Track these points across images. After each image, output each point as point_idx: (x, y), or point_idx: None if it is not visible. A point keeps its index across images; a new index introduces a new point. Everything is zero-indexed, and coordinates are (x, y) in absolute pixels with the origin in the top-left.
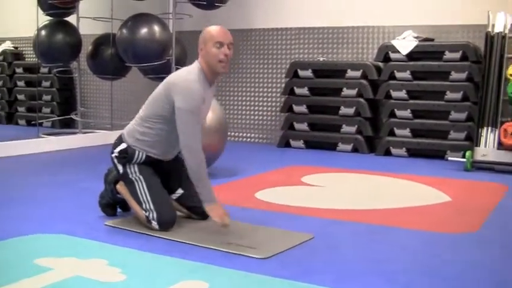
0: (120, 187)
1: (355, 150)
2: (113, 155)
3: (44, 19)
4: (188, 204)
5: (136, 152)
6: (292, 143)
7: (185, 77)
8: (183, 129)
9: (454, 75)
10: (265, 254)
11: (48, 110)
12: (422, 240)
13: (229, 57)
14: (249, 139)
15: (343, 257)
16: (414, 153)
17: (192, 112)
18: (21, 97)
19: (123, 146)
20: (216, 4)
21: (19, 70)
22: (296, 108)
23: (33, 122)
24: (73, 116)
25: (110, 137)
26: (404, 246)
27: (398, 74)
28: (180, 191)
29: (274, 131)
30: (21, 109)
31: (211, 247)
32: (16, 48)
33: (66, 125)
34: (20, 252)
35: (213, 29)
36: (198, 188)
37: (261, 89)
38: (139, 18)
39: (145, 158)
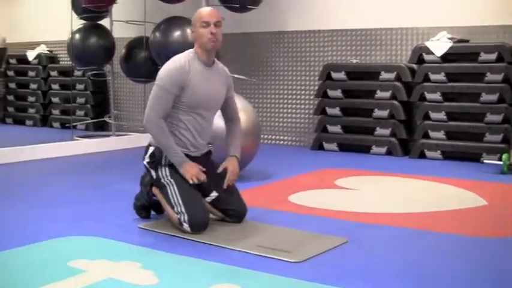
0: (155, 190)
1: (389, 153)
2: (144, 162)
3: (78, 23)
4: (222, 207)
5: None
6: (326, 145)
7: (168, 61)
8: (148, 101)
9: (489, 76)
10: (298, 258)
11: (82, 112)
12: (455, 245)
13: (218, 35)
14: (282, 142)
15: (376, 261)
16: (449, 155)
17: (159, 86)
18: (55, 100)
19: (150, 150)
20: (249, 7)
21: (54, 73)
22: (329, 110)
23: (67, 125)
24: (106, 119)
25: (143, 139)
26: (437, 251)
27: (432, 76)
28: (214, 194)
29: (308, 133)
30: (55, 112)
31: (244, 250)
32: (51, 51)
33: (100, 128)
34: (53, 254)
35: (201, 11)
36: (168, 156)
37: (294, 92)
38: (172, 22)
39: None
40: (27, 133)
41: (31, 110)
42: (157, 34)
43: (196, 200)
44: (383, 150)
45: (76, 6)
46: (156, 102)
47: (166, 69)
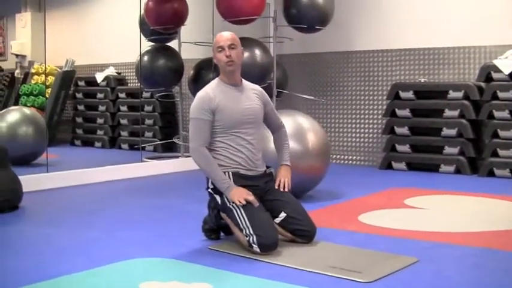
0: (223, 214)
1: (457, 171)
2: (208, 190)
3: (146, 45)
4: (291, 228)
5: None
6: (394, 165)
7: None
8: (189, 136)
9: None
10: (370, 278)
11: (150, 134)
12: None
13: (234, 56)
14: (350, 161)
15: (448, 281)
16: None
17: (192, 118)
18: (124, 121)
19: None
20: (317, 27)
21: (122, 95)
22: (398, 129)
23: (136, 146)
24: (175, 140)
25: None
26: (509, 271)
27: (501, 94)
28: (282, 215)
29: (376, 153)
30: (124, 133)
31: (316, 271)
32: (119, 73)
33: (168, 149)
34: (125, 276)
35: (216, 37)
36: (215, 184)
37: (362, 111)
38: (240, 42)
39: (235, 180)
40: (97, 155)
41: (100, 132)
42: None
43: (264, 220)
44: (451, 168)
45: (144, 29)
46: (195, 132)
47: (194, 103)
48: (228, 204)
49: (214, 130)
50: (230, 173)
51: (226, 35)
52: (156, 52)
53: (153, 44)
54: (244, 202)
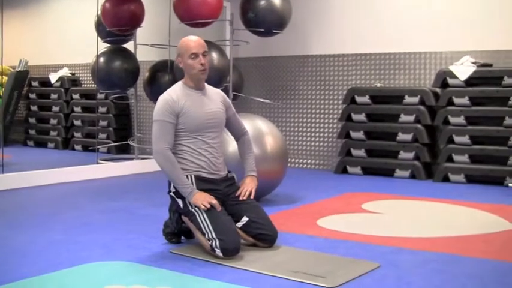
0: (185, 218)
1: (412, 176)
2: (170, 193)
3: (101, 46)
4: (253, 232)
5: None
6: (349, 169)
7: (158, 99)
8: (152, 139)
9: None
10: (333, 283)
11: (104, 135)
12: (489, 270)
13: (207, 64)
14: (305, 165)
15: (411, 286)
16: (472, 179)
17: (155, 121)
18: (77, 123)
19: None
20: (274, 31)
21: (76, 96)
22: (353, 134)
23: (90, 148)
24: (130, 142)
25: None
26: (471, 275)
27: (456, 100)
28: (245, 219)
29: (331, 157)
30: (77, 135)
31: (279, 275)
32: (73, 74)
33: (122, 151)
34: (88, 280)
35: (187, 42)
36: (177, 187)
37: (318, 115)
38: None
39: (197, 183)
40: (50, 156)
41: (53, 133)
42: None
43: (227, 224)
44: (407, 173)
45: (100, 30)
46: (158, 135)
47: (157, 106)
48: (191, 208)
49: (178, 133)
50: (192, 176)
51: (199, 41)
52: (112, 54)
53: (109, 45)
54: (208, 206)
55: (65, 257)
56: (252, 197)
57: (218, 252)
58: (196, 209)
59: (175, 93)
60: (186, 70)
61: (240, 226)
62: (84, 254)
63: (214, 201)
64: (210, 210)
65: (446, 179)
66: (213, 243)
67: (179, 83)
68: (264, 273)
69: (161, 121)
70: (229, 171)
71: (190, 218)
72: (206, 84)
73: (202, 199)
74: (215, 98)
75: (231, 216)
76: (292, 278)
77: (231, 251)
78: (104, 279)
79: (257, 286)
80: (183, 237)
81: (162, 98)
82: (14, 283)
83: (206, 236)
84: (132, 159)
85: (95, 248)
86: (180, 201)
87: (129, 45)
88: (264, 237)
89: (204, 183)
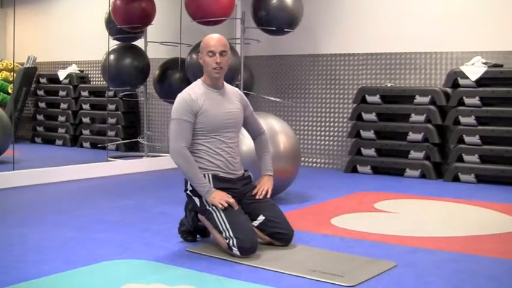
0: (201, 216)
1: (422, 176)
2: (187, 192)
3: (111, 43)
4: (269, 231)
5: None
6: (359, 168)
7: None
8: (169, 137)
9: None
10: (352, 282)
11: (112, 133)
12: (506, 270)
13: (223, 64)
14: (315, 164)
15: (430, 286)
16: (482, 179)
17: (173, 119)
18: (86, 120)
19: None
20: (285, 30)
21: (84, 93)
22: (364, 133)
23: (99, 145)
24: (140, 140)
25: None
26: (489, 276)
27: (467, 100)
28: (261, 218)
29: (341, 156)
30: (85, 132)
31: (297, 274)
32: (82, 71)
33: (131, 148)
34: (107, 278)
35: (208, 39)
36: (194, 186)
37: (328, 114)
38: None
39: (214, 182)
40: (59, 153)
41: (61, 130)
42: (194, 56)
43: (244, 222)
44: (417, 173)
45: (110, 27)
46: (176, 133)
47: (176, 104)
48: (208, 207)
49: (195, 132)
50: (209, 175)
51: (219, 39)
52: (123, 51)
53: (118, 42)
54: (226, 205)
55: (82, 255)
56: (268, 196)
57: (235, 250)
58: (214, 207)
59: (193, 92)
60: (204, 67)
61: (256, 225)
62: (101, 252)
63: (232, 200)
64: (227, 209)
65: (456, 179)
66: (230, 242)
67: (198, 81)
68: (282, 272)
69: (179, 119)
70: (245, 170)
71: (207, 216)
72: (225, 83)
73: (220, 198)
74: (233, 97)
75: (248, 215)
76: (310, 277)
77: (248, 250)
78: (123, 277)
79: (276, 285)
80: (198, 236)
81: (181, 96)
82: (33, 280)
83: (223, 234)
84: (141, 157)
85: (111, 246)
86: (196, 200)
87: (139, 43)
88: (280, 236)
89: (221, 183)
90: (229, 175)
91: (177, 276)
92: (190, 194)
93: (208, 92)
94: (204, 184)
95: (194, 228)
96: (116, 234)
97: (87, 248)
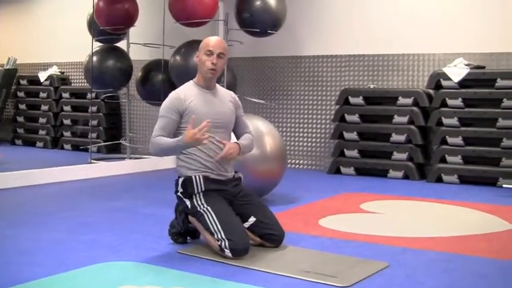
0: (192, 218)
1: (405, 177)
2: (178, 194)
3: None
4: (261, 232)
5: (193, 178)
6: (343, 169)
7: None
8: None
9: (506, 102)
10: (346, 282)
11: (94, 135)
12: (495, 269)
13: (218, 66)
14: (298, 165)
15: (423, 286)
16: (465, 180)
17: (159, 116)
18: (67, 122)
19: (180, 180)
20: (269, 31)
21: (65, 95)
22: (347, 135)
23: (81, 147)
24: (123, 142)
25: (159, 163)
26: (479, 275)
27: (449, 102)
28: (252, 219)
29: (324, 157)
30: (66, 134)
31: (291, 275)
32: (62, 73)
33: (113, 150)
34: (101, 280)
35: (208, 39)
36: (174, 152)
37: (311, 116)
38: (193, 45)
39: (205, 184)
40: (40, 155)
41: (42, 132)
42: (178, 57)
43: (235, 224)
44: (400, 174)
45: (93, 28)
46: (159, 127)
47: (165, 101)
48: (199, 209)
49: (184, 132)
50: (200, 177)
51: (218, 41)
52: (106, 52)
53: (101, 44)
54: (204, 138)
55: (72, 257)
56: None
57: (227, 252)
58: (205, 208)
59: (183, 91)
60: (199, 66)
61: (247, 226)
62: (91, 254)
63: (206, 129)
64: (219, 211)
65: (439, 180)
66: (222, 244)
67: (190, 82)
68: (275, 273)
69: (164, 116)
70: (235, 172)
71: (199, 218)
72: (218, 85)
73: (192, 136)
74: (225, 98)
75: (239, 216)
76: (304, 278)
77: (240, 252)
78: (116, 279)
79: (271, 286)
80: (188, 238)
81: (170, 95)
82: (26, 283)
83: (215, 236)
84: (123, 158)
85: (100, 248)
86: (187, 202)
87: (121, 44)
88: (272, 237)
89: (212, 184)
90: (220, 176)
91: (170, 278)
92: (181, 196)
93: (199, 93)
94: (177, 141)
95: (184, 230)
96: (105, 236)
97: (77, 250)
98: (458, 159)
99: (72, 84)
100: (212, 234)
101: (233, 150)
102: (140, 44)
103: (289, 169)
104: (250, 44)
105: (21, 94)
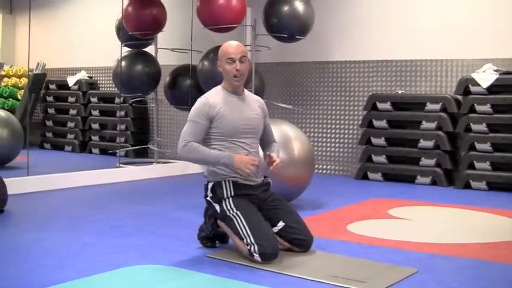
0: (221, 222)
1: (433, 183)
2: (207, 198)
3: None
4: (289, 237)
5: (223, 183)
6: (370, 175)
7: None
8: (181, 135)
9: None
10: None
11: (122, 139)
12: None
13: (243, 71)
14: (326, 171)
15: None
16: (494, 186)
17: (188, 120)
18: (95, 126)
19: (210, 185)
20: (297, 37)
21: (94, 99)
22: (374, 140)
23: (109, 152)
24: (150, 146)
25: (186, 167)
26: (509, 282)
27: (478, 107)
28: (281, 224)
29: (352, 163)
30: (95, 138)
31: (319, 280)
32: (90, 77)
33: (140, 155)
34: (129, 284)
35: (226, 47)
36: (215, 163)
37: (338, 121)
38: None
39: (235, 189)
40: (69, 159)
41: (70, 136)
42: (206, 62)
43: (265, 229)
44: (428, 180)
45: (121, 34)
46: (188, 132)
47: (194, 107)
48: (228, 213)
49: (214, 137)
50: (230, 182)
51: (237, 46)
52: (134, 57)
53: (129, 49)
54: (253, 169)
55: (102, 260)
56: (276, 164)
57: (256, 257)
58: (234, 213)
59: (213, 97)
60: (224, 75)
61: (276, 231)
62: (121, 257)
63: (257, 162)
64: (248, 215)
65: (467, 186)
66: (252, 248)
67: (218, 87)
68: (304, 277)
69: (193, 121)
70: (265, 176)
71: (228, 223)
72: (246, 90)
73: (245, 164)
74: (253, 104)
75: (268, 221)
76: (332, 283)
77: (269, 256)
78: (146, 283)
79: None
80: (217, 242)
81: (200, 101)
82: (56, 285)
83: (244, 240)
84: (151, 163)
85: (129, 251)
86: (217, 206)
87: (149, 49)
88: (300, 242)
89: (241, 189)
90: (249, 182)
91: (199, 281)
92: (210, 200)
93: (227, 98)
94: (221, 156)
95: (213, 234)
96: (134, 239)
97: (106, 253)
98: (486, 165)
99: (101, 89)
100: (241, 238)
101: (279, 160)
102: (168, 49)
103: (317, 174)
104: (278, 49)
105: (50, 98)
